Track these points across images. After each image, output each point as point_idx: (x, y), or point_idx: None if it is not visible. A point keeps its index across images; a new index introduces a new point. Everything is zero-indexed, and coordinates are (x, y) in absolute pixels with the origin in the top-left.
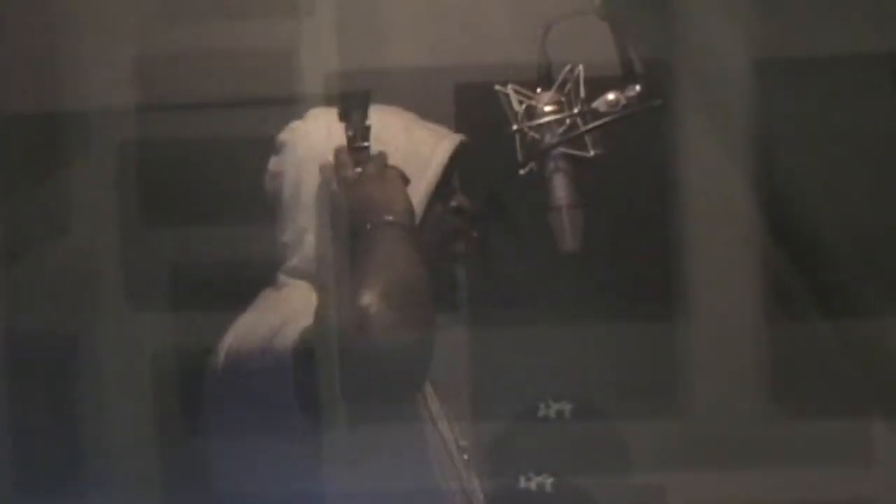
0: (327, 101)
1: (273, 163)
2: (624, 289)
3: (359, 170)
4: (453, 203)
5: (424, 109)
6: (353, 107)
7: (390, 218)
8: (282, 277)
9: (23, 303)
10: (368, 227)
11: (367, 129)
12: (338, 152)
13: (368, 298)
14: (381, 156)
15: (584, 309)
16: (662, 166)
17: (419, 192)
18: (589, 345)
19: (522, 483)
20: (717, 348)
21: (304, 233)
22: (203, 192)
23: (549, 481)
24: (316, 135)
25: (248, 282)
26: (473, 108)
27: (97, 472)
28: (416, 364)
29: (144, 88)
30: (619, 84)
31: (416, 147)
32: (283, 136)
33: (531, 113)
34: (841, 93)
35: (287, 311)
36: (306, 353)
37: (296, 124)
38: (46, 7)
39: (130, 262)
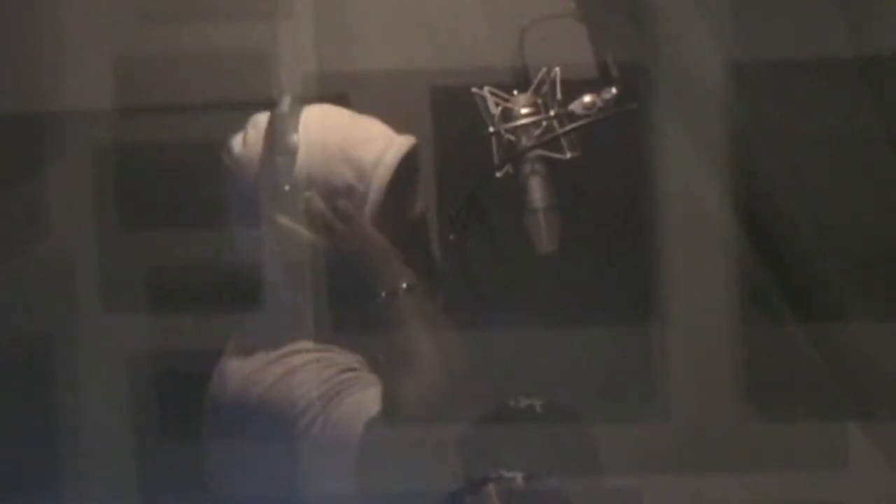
0: (304, 102)
1: (224, 184)
2: (600, 291)
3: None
4: (418, 212)
5: (401, 112)
6: (284, 118)
7: (398, 287)
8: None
9: (0, 304)
10: (378, 299)
11: (294, 142)
12: (271, 217)
13: (441, 400)
14: (341, 210)
15: (560, 311)
16: (638, 169)
17: (370, 204)
18: (565, 347)
19: (491, 479)
20: (693, 350)
21: (270, 271)
22: (181, 194)
23: (520, 476)
24: (253, 166)
25: (226, 284)
26: (450, 111)
27: (72, 474)
28: None
29: (122, 90)
30: (596, 86)
31: (351, 181)
32: (225, 160)
33: (508, 115)
34: (816, 96)
35: (309, 390)
36: (375, 451)
37: (235, 144)
38: (24, 8)
39: (108, 263)
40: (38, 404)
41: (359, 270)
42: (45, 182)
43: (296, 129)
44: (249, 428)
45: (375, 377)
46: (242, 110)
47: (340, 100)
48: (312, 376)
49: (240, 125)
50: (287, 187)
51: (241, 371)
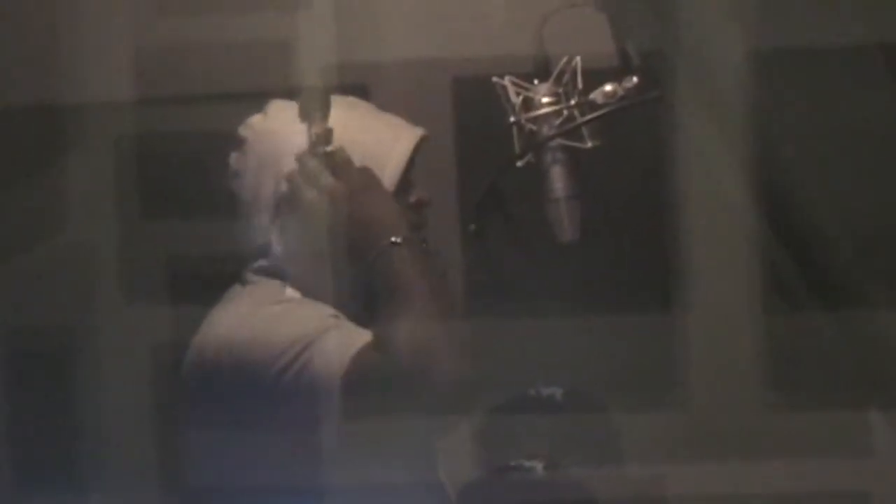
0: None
1: (233, 160)
2: (622, 280)
3: (328, 173)
4: (412, 198)
5: (422, 102)
6: (314, 108)
7: (403, 237)
8: (251, 276)
9: (20, 297)
10: (375, 250)
11: (330, 131)
12: (303, 160)
13: (434, 337)
14: (347, 157)
15: (581, 300)
16: (660, 158)
17: (368, 168)
18: (586, 336)
19: (513, 466)
20: (715, 339)
21: (269, 234)
22: (200, 185)
23: (540, 466)
24: (276, 134)
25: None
26: (471, 101)
27: (96, 465)
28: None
29: (142, 81)
30: (617, 75)
31: (375, 144)
32: (243, 132)
33: (528, 105)
34: (838, 84)
35: (295, 327)
36: (363, 380)
37: (255, 120)
38: (44, 0)
39: (128, 255)
40: (60, 396)
41: (362, 222)
42: (66, 174)
43: (328, 107)
44: (235, 375)
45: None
46: (263, 100)
47: (361, 90)
48: (298, 317)
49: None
50: (325, 149)
51: (226, 323)
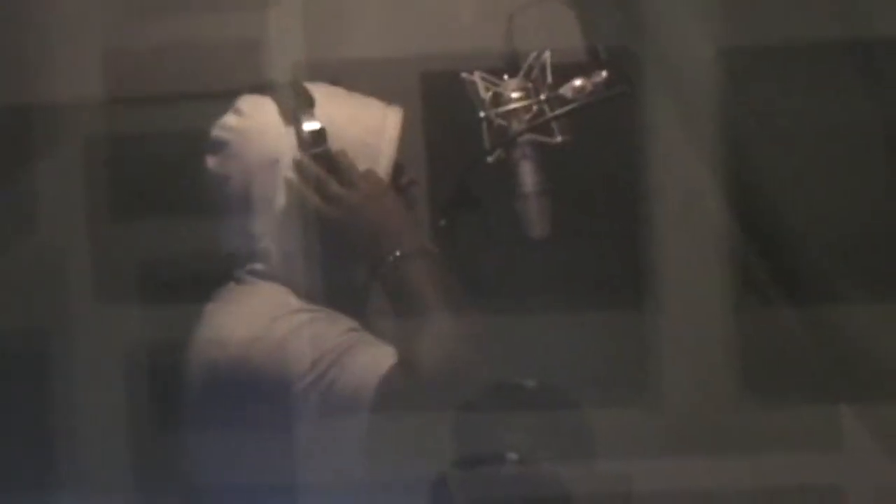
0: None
1: (214, 163)
2: (592, 275)
3: (333, 179)
4: (404, 179)
5: (391, 98)
6: (300, 108)
7: (417, 246)
8: (247, 277)
9: None
10: (388, 261)
11: (322, 131)
12: (303, 166)
13: (459, 351)
14: (351, 163)
15: (552, 296)
16: (629, 153)
17: (374, 171)
18: (557, 332)
19: (487, 457)
20: (686, 334)
21: (264, 238)
22: (172, 185)
23: (513, 458)
24: (262, 137)
25: (218, 276)
26: (440, 96)
27: (67, 467)
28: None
29: (112, 81)
30: (586, 70)
31: (364, 134)
32: (221, 134)
33: (498, 100)
34: (806, 81)
35: (317, 342)
36: (392, 401)
37: (232, 121)
38: (12, 0)
39: (100, 256)
40: (31, 397)
41: (377, 232)
42: (36, 175)
43: (312, 103)
44: (253, 385)
45: (378, 340)
46: (234, 100)
47: (342, 86)
48: (323, 331)
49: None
50: (320, 149)
51: (246, 327)
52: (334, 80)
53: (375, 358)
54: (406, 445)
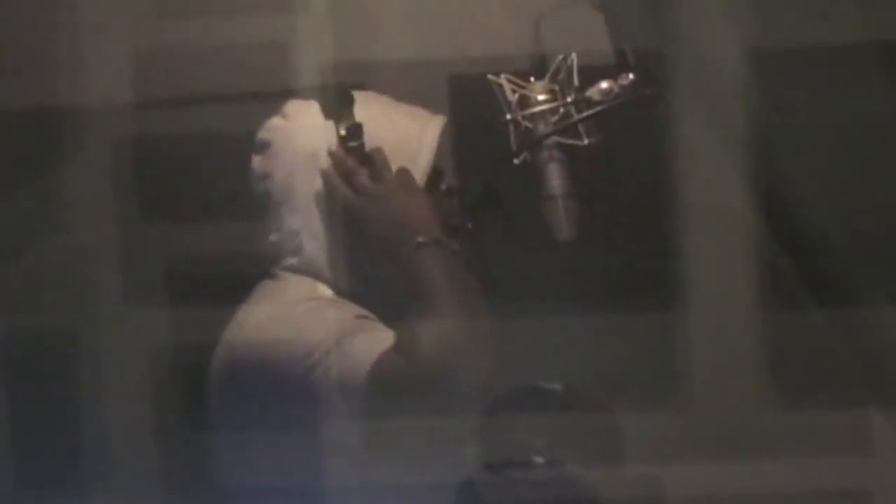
0: (316, 94)
1: (258, 163)
2: (619, 278)
3: (366, 172)
4: (443, 185)
5: (418, 100)
6: (339, 104)
7: (433, 238)
8: (282, 273)
9: (21, 300)
10: (407, 248)
11: (360, 126)
12: (337, 157)
13: (457, 340)
14: (384, 158)
15: (579, 298)
16: (657, 155)
17: (406, 169)
18: (584, 335)
19: (514, 461)
20: (714, 336)
21: (300, 234)
22: (200, 187)
23: (540, 462)
24: (303, 134)
25: (246, 277)
26: (467, 99)
27: (97, 468)
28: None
29: (140, 84)
30: (613, 73)
31: (404, 137)
32: (265, 135)
33: (525, 102)
34: (835, 82)
35: (321, 328)
36: (385, 384)
37: (276, 122)
38: (42, 3)
39: (128, 258)
40: (60, 399)
41: (397, 223)
42: (65, 177)
43: (352, 101)
44: (263, 373)
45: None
46: (261, 102)
47: (358, 90)
48: (326, 317)
49: (259, 116)
50: (356, 144)
51: (257, 320)
52: (362, 84)
53: (374, 341)
54: (433, 448)
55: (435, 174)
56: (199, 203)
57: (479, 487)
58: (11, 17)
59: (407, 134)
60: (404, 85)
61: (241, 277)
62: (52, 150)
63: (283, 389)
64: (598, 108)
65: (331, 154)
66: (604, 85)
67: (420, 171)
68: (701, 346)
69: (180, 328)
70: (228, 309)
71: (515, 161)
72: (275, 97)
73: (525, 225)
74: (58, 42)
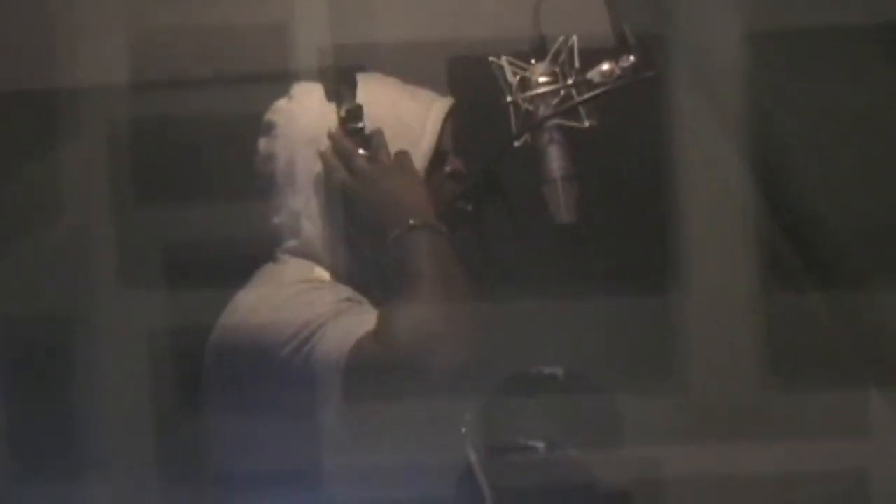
0: (319, 76)
1: (263, 144)
2: (620, 261)
3: (363, 154)
4: (448, 168)
5: (419, 82)
6: (342, 86)
7: (423, 221)
8: (282, 256)
9: (17, 283)
10: (397, 231)
11: (360, 108)
12: (336, 138)
13: (435, 326)
14: (383, 140)
15: (579, 281)
16: (657, 137)
17: (417, 165)
18: (584, 318)
19: (514, 445)
20: (713, 319)
21: (300, 216)
22: (197, 169)
23: (541, 446)
24: (306, 116)
25: (244, 259)
26: (467, 81)
27: (94, 452)
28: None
29: (137, 66)
30: (614, 55)
31: (407, 119)
32: (271, 116)
33: (525, 84)
34: (836, 65)
35: (304, 311)
36: (362, 369)
37: (281, 104)
38: None
39: (125, 241)
40: (58, 384)
41: (388, 204)
42: (61, 159)
43: (355, 82)
44: (248, 356)
45: (371, 308)
46: (259, 83)
47: (363, 71)
48: (310, 301)
49: (256, 98)
50: (356, 126)
51: (249, 302)
52: (361, 65)
53: (354, 325)
54: (433, 432)
55: (438, 157)
56: (195, 186)
57: (480, 472)
58: (4, 0)
59: (410, 116)
60: (404, 67)
61: (238, 261)
62: (49, 133)
63: (267, 372)
64: (599, 91)
65: (330, 135)
66: (605, 67)
67: (422, 154)
68: (700, 329)
69: (178, 312)
70: (226, 292)
71: (516, 143)
72: (273, 79)
73: (525, 208)
74: (52, 23)
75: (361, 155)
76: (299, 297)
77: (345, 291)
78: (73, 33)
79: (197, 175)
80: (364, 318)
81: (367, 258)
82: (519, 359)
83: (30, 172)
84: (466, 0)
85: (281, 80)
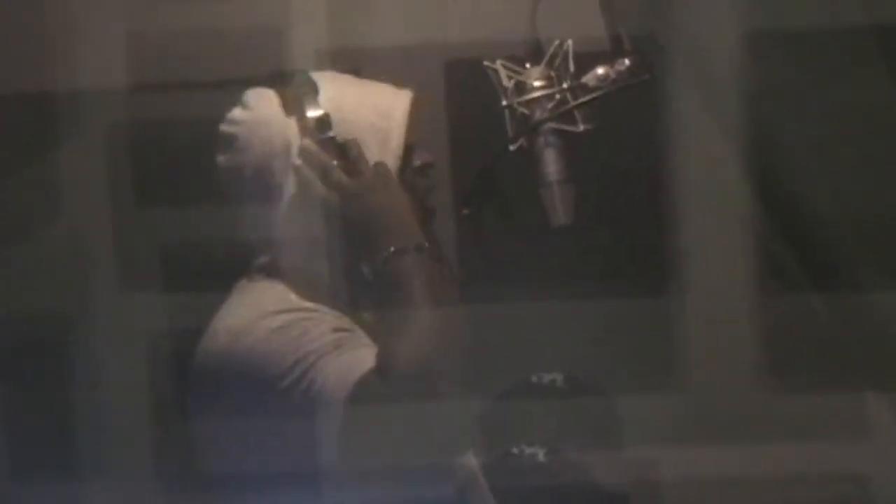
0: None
1: (226, 158)
2: (617, 263)
3: (340, 166)
4: (417, 162)
5: (414, 86)
6: (304, 96)
7: (414, 243)
8: (254, 275)
9: (16, 285)
10: (385, 253)
11: (328, 116)
12: (310, 151)
13: (436, 358)
14: (360, 151)
15: (576, 284)
16: (653, 140)
17: (389, 164)
18: (582, 320)
19: (514, 452)
20: (711, 321)
21: (273, 231)
22: (195, 172)
23: (541, 452)
24: (270, 126)
25: (241, 262)
26: (463, 85)
27: (92, 453)
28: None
29: (135, 68)
30: (609, 58)
31: (372, 120)
32: (230, 128)
33: (521, 88)
34: (832, 66)
35: (298, 344)
36: (365, 405)
37: (239, 115)
38: None
39: (123, 243)
40: (55, 384)
41: (373, 223)
42: (60, 162)
43: (316, 89)
44: (237, 384)
45: (368, 338)
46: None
47: (354, 74)
48: (303, 332)
49: None
50: (326, 136)
51: (228, 328)
52: (357, 69)
53: (353, 362)
54: (434, 437)
55: (407, 151)
56: (194, 189)
57: (481, 475)
58: (4, 2)
59: (374, 116)
60: (400, 70)
61: (236, 263)
62: (47, 136)
63: (259, 406)
64: (595, 94)
65: (302, 149)
66: (600, 71)
67: (392, 153)
68: (698, 330)
69: (175, 314)
70: (224, 295)
71: (511, 147)
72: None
73: (521, 211)
74: (52, 26)
75: (339, 168)
76: (291, 328)
77: (334, 319)
78: (72, 36)
79: (195, 178)
80: (362, 353)
81: (345, 276)
82: (517, 361)
83: (29, 175)
84: (462, 4)
85: (278, 83)
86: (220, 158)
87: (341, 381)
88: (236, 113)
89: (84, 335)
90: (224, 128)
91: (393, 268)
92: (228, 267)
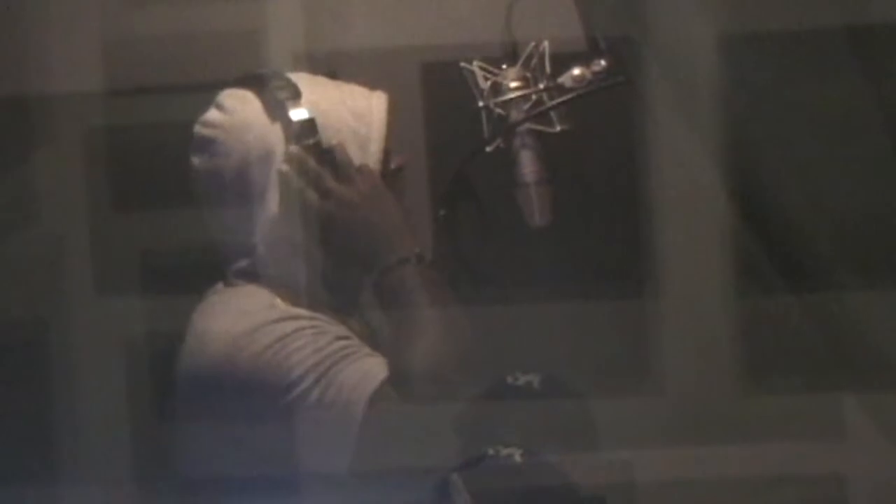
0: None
1: (200, 161)
2: (593, 264)
3: (328, 173)
4: (393, 165)
5: (390, 88)
6: (286, 100)
7: (413, 253)
8: (233, 279)
9: None
10: (385, 264)
11: (313, 121)
12: (298, 158)
13: (449, 365)
14: (347, 157)
15: (553, 285)
16: (629, 141)
17: (369, 167)
18: (558, 321)
19: (490, 454)
20: (688, 323)
21: (253, 236)
22: (172, 176)
23: (517, 453)
24: (253, 131)
25: (219, 266)
26: (439, 86)
27: (67, 458)
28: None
29: (111, 72)
30: (585, 59)
31: (352, 124)
32: (206, 131)
33: (497, 89)
34: (805, 66)
35: (307, 354)
36: (381, 417)
37: (216, 117)
38: None
39: (100, 247)
40: (31, 388)
41: (374, 233)
42: (36, 166)
43: (299, 93)
44: (235, 395)
45: (368, 348)
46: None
47: (330, 77)
48: (308, 343)
49: None
50: (311, 140)
51: (226, 334)
52: (333, 71)
53: (365, 373)
54: (408, 442)
55: (386, 155)
56: (171, 192)
57: (455, 483)
58: None
59: (353, 120)
60: (376, 72)
61: (214, 267)
62: (23, 140)
63: (264, 415)
64: (571, 95)
65: (289, 155)
66: (576, 71)
67: (373, 157)
68: (675, 331)
69: (152, 318)
70: (200, 298)
71: (488, 148)
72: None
73: (498, 212)
74: (26, 30)
75: (327, 174)
76: (296, 337)
77: (334, 327)
78: (49, 40)
79: (172, 181)
80: (369, 364)
81: (337, 283)
82: (494, 362)
83: (4, 179)
84: (438, 6)
85: (256, 87)
86: (195, 161)
87: (356, 392)
88: (213, 115)
89: (60, 339)
90: (200, 130)
91: (397, 277)
92: (205, 271)
